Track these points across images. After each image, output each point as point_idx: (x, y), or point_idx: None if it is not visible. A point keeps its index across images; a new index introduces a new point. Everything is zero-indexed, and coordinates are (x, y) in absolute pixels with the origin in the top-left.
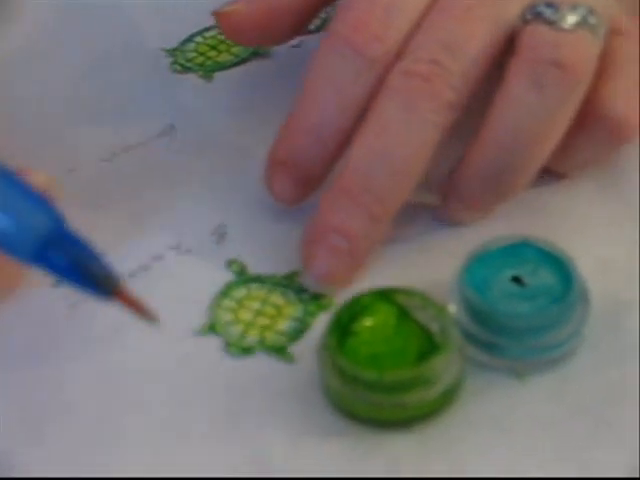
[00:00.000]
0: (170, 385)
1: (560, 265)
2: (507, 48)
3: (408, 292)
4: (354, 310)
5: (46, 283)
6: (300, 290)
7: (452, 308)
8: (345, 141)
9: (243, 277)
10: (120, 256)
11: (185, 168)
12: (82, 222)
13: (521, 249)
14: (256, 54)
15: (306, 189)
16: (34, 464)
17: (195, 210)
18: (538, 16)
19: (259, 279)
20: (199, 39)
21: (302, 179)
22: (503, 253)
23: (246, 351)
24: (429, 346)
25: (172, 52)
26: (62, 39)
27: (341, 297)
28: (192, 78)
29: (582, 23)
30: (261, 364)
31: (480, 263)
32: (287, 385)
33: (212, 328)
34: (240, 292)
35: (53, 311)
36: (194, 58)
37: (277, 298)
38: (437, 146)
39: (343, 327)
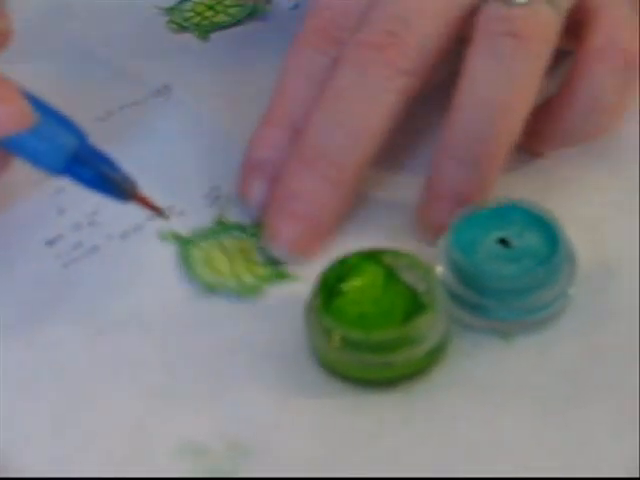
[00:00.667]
0: (159, 344)
1: (547, 228)
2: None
3: (395, 253)
4: (341, 271)
5: (40, 242)
6: None
7: (439, 269)
8: None
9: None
10: (114, 215)
11: (179, 128)
12: None
13: (508, 211)
14: (252, 15)
15: None
16: (21, 422)
17: (189, 172)
18: None
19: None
20: None
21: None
22: (491, 215)
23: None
24: (416, 306)
25: (168, 10)
26: None
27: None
28: (188, 38)
29: None
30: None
31: (467, 225)
32: (274, 346)
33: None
34: (210, 242)
35: (47, 270)
36: (191, 17)
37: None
38: (397, 113)
39: (330, 288)
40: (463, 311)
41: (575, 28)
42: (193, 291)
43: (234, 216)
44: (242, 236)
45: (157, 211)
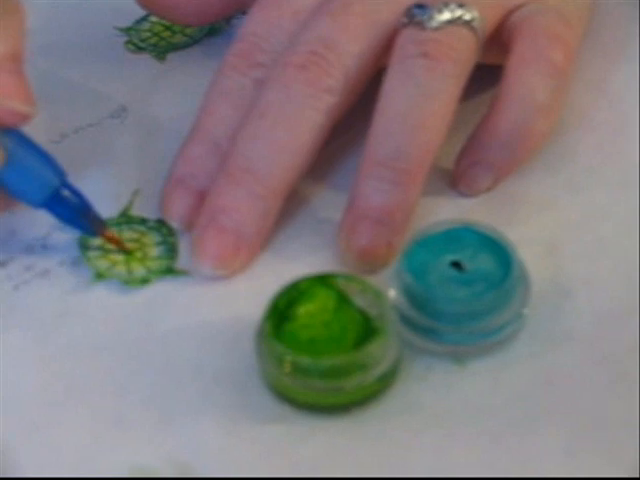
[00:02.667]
0: (109, 369)
1: (500, 250)
2: None
3: (347, 277)
4: (292, 295)
5: None
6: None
7: (391, 293)
8: None
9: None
10: (66, 240)
11: (136, 150)
12: None
13: (461, 234)
14: (210, 35)
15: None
16: None
17: (146, 193)
18: (411, 18)
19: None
20: (154, 19)
21: (200, 192)
22: (443, 238)
23: (144, 281)
24: (367, 331)
25: (126, 31)
26: None
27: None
28: (145, 58)
29: (454, 20)
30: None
31: (420, 248)
32: (223, 370)
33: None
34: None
35: None
36: (148, 38)
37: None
38: (323, 131)
39: (280, 312)
40: (416, 335)
41: (504, 42)
42: (140, 318)
43: (139, 211)
44: (142, 229)
45: (122, 248)
